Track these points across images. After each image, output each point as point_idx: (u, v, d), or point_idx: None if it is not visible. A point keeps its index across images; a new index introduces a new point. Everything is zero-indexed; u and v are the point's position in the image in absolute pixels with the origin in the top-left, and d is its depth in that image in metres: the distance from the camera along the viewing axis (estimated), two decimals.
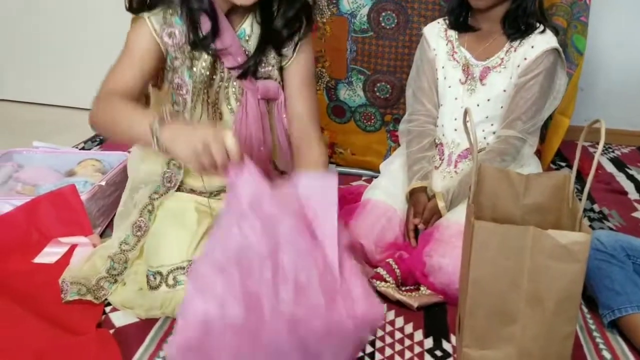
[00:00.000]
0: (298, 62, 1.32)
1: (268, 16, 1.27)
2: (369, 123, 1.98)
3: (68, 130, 2.47)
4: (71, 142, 2.25)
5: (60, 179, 1.75)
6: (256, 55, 1.27)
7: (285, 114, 1.34)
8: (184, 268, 1.24)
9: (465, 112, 1.05)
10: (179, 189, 1.38)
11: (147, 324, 1.26)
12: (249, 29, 1.29)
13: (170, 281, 1.24)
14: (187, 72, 1.27)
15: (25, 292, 1.33)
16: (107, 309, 1.31)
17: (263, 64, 1.30)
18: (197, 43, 1.22)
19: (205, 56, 1.26)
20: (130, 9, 1.25)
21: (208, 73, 1.27)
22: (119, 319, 1.27)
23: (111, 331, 1.23)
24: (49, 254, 1.46)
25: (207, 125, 1.10)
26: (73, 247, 1.47)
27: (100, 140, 2.33)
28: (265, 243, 0.92)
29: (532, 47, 1.46)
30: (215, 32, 1.21)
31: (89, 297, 1.29)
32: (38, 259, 1.45)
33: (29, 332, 1.18)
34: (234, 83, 1.31)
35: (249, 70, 1.27)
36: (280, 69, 1.33)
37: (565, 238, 0.92)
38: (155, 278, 1.25)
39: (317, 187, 1.04)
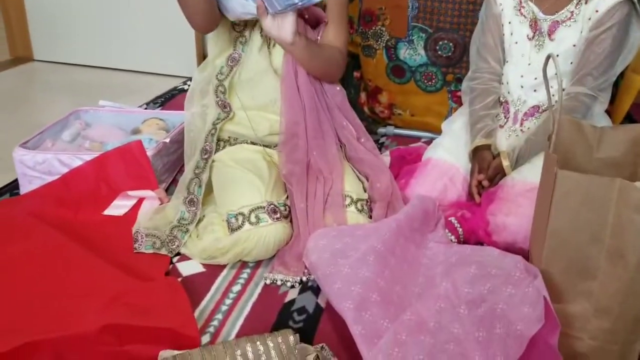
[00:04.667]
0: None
1: None
2: (430, 83, 1.94)
3: (132, 92, 2.54)
4: (135, 103, 2.31)
5: (125, 136, 1.80)
6: None
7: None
8: (264, 207, 1.31)
9: (548, 58, 1.01)
10: (236, 143, 1.51)
11: (212, 273, 1.30)
12: None
13: (253, 219, 1.30)
14: None
15: (97, 242, 1.39)
16: (175, 259, 1.35)
17: None
18: None
19: None
20: None
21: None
22: (186, 269, 1.32)
23: (179, 279, 1.27)
24: (118, 207, 1.51)
25: None
26: (140, 201, 1.52)
27: (161, 102, 2.38)
28: None
29: None
30: None
31: (163, 251, 1.35)
32: (108, 211, 1.50)
33: (103, 277, 1.23)
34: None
35: None
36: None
37: None
38: (237, 219, 1.30)
39: None
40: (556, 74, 0.97)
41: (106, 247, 1.36)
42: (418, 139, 2.02)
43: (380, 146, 1.96)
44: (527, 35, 1.49)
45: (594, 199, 0.89)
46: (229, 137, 1.51)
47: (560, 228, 0.92)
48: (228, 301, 1.21)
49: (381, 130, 2.07)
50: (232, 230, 1.30)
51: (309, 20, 1.50)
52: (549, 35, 1.46)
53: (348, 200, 1.37)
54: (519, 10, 1.50)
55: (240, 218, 1.30)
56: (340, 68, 1.51)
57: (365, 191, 1.43)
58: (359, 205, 1.37)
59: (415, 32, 1.89)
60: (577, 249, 0.92)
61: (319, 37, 1.50)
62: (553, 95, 1.45)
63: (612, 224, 0.89)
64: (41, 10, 2.92)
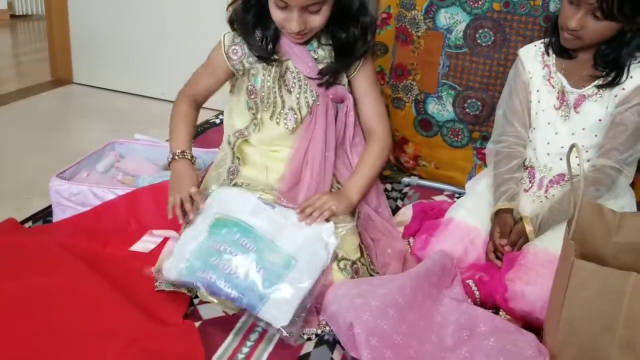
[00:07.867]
0: (363, 72, 1.55)
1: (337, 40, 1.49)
2: (456, 139, 1.98)
3: (167, 122, 2.60)
4: (165, 134, 2.37)
5: (157, 171, 1.86)
6: (331, 74, 1.49)
7: (355, 115, 1.56)
8: None
9: (571, 147, 1.04)
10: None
11: (232, 317, 1.33)
12: (316, 44, 1.50)
13: None
14: (256, 80, 1.51)
15: (122, 278, 1.42)
16: (196, 300, 1.38)
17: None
18: (262, 55, 1.48)
19: (274, 67, 1.48)
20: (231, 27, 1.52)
21: (276, 80, 1.49)
22: (207, 312, 1.35)
23: (198, 323, 1.30)
24: (144, 244, 1.56)
25: (186, 179, 1.43)
26: (165, 240, 1.57)
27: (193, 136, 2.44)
28: None
29: (631, 77, 1.43)
30: (274, 44, 1.47)
31: (183, 290, 1.38)
32: (134, 247, 1.55)
33: (124, 317, 1.26)
34: (310, 88, 1.51)
35: (327, 82, 1.50)
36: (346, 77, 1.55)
37: None
38: None
39: None
40: (578, 164, 1.00)
41: (130, 284, 1.40)
42: (441, 191, 2.04)
43: (404, 196, 1.99)
44: (554, 105, 1.52)
45: (609, 290, 0.91)
46: (242, 182, 1.55)
47: (574, 316, 0.94)
48: (245, 349, 1.24)
49: (405, 180, 2.10)
50: None
51: (334, 99, 1.53)
52: (574, 107, 1.49)
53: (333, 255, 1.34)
54: (548, 80, 1.53)
55: None
56: (389, 149, 1.59)
57: (361, 255, 1.41)
58: (341, 264, 1.35)
59: (445, 88, 1.93)
60: (590, 337, 0.94)
61: (349, 112, 1.54)
62: (578, 166, 1.48)
63: (625, 316, 0.91)
64: (85, 35, 3.04)
